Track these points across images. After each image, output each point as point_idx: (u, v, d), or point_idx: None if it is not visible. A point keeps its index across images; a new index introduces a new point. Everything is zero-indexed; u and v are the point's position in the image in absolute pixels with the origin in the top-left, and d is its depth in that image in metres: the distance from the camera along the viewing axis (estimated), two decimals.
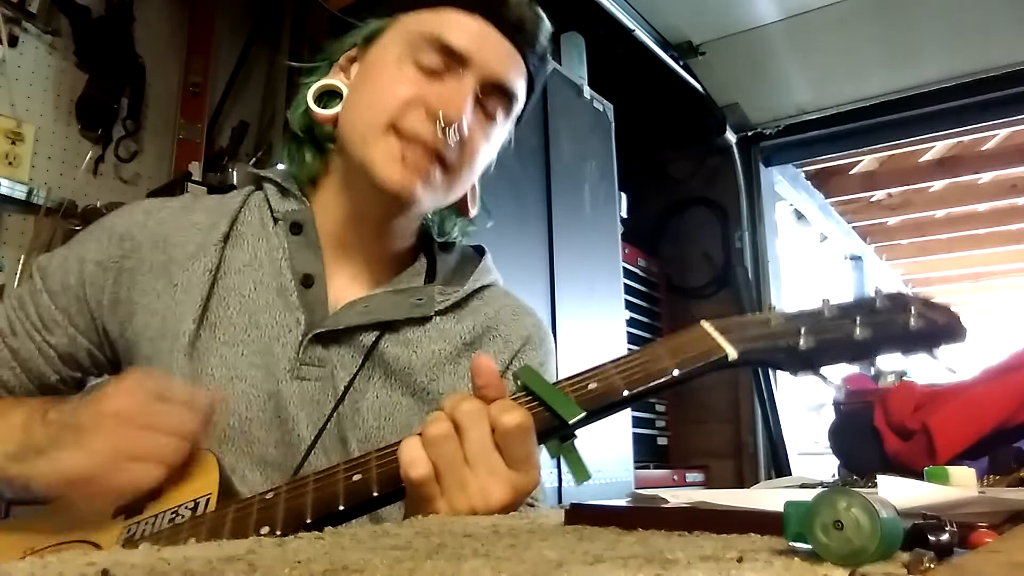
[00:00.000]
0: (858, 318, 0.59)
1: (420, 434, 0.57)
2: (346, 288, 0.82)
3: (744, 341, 0.59)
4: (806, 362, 0.59)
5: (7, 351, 0.79)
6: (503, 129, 0.83)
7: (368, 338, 0.79)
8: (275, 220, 0.83)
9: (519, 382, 0.60)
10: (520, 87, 0.81)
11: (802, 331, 0.59)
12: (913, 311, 0.59)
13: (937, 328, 0.59)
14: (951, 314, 0.60)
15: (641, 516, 0.43)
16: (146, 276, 0.79)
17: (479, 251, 0.93)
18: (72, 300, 0.79)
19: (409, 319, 0.81)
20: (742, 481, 3.11)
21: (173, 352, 0.75)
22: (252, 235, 0.82)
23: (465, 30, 0.76)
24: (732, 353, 0.59)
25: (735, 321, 0.61)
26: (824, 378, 0.60)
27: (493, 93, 0.78)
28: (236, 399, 0.74)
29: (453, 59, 0.76)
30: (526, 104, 0.85)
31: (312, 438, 0.74)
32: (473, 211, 0.88)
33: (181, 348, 0.75)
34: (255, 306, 0.78)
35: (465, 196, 0.86)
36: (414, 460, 0.56)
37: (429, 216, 0.87)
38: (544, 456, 0.62)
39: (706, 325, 0.61)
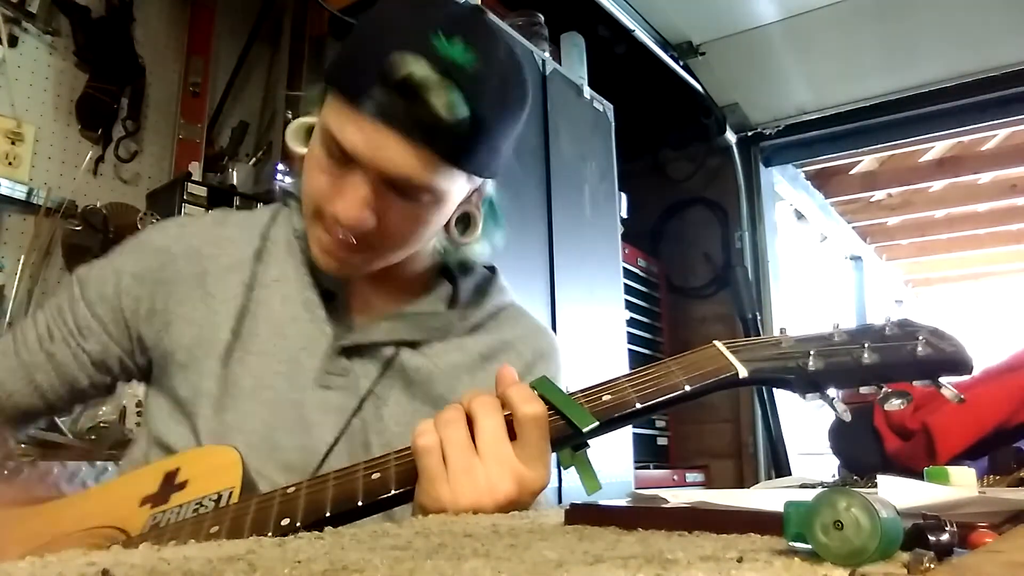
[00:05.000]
0: (867, 343, 0.60)
1: (436, 415, 0.60)
2: (369, 303, 0.85)
3: (754, 361, 0.62)
4: (814, 384, 0.61)
5: (43, 355, 0.83)
6: (439, 203, 0.76)
7: (390, 351, 0.82)
8: (299, 239, 0.86)
9: (536, 392, 0.61)
10: (436, 180, 0.73)
11: (811, 353, 0.61)
12: (921, 339, 0.61)
13: (944, 357, 0.61)
14: (958, 344, 0.62)
15: (641, 516, 0.43)
16: (182, 287, 0.83)
17: (492, 270, 0.95)
18: (108, 310, 0.83)
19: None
20: (742, 481, 3.11)
21: (209, 359, 0.79)
22: (279, 251, 0.86)
23: (360, 133, 0.70)
24: (743, 372, 0.61)
25: (746, 341, 0.64)
26: (831, 400, 0.60)
27: (400, 185, 0.72)
28: (262, 406, 0.78)
29: (350, 157, 0.72)
30: (489, 163, 0.78)
31: (334, 443, 0.77)
32: (465, 239, 0.84)
33: (217, 356, 0.79)
34: (282, 318, 0.82)
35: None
36: (424, 430, 0.59)
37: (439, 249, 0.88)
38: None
39: (718, 344, 0.63)
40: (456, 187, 0.76)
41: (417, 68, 0.67)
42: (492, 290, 0.91)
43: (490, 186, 0.84)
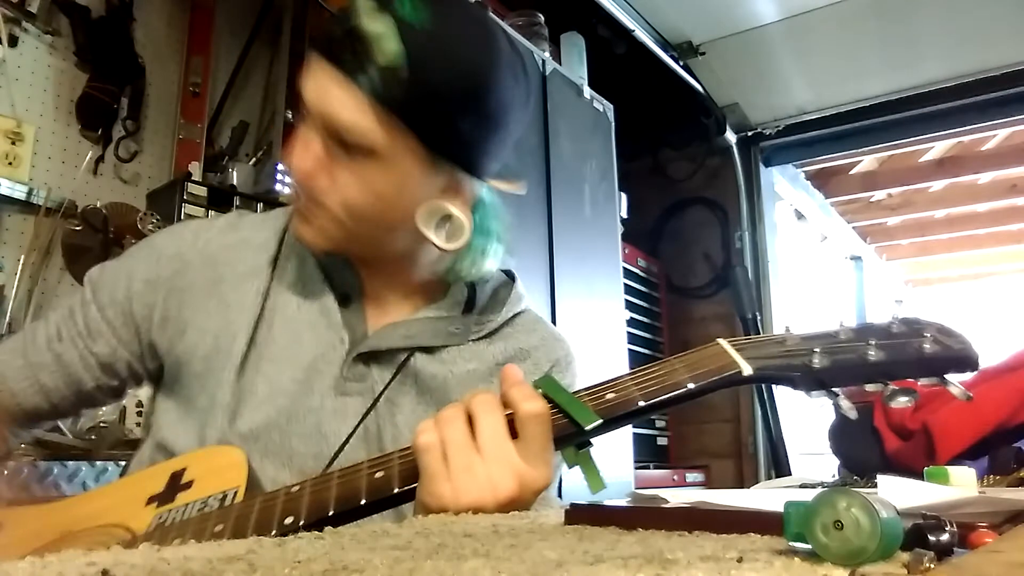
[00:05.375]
0: (872, 341, 0.60)
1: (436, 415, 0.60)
2: (384, 307, 0.84)
3: (759, 359, 0.61)
4: (819, 382, 0.60)
5: (51, 355, 0.82)
6: (377, 159, 0.73)
7: (405, 354, 0.81)
8: None
9: (540, 390, 0.61)
10: (374, 130, 0.70)
11: (816, 351, 0.60)
12: (928, 336, 0.60)
13: (951, 355, 0.60)
14: (965, 341, 0.61)
15: (641, 516, 0.43)
16: (197, 295, 0.82)
17: (510, 275, 0.94)
18: (118, 314, 0.82)
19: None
20: (742, 481, 3.11)
21: (225, 370, 0.78)
22: (296, 256, 0.85)
23: (312, 80, 0.72)
24: (747, 369, 0.60)
25: (751, 339, 0.63)
26: (836, 397, 0.60)
27: (342, 135, 0.72)
28: (278, 414, 0.77)
29: (304, 111, 0.74)
30: (436, 123, 0.72)
31: (352, 453, 0.77)
32: (448, 245, 0.78)
33: (232, 366, 0.78)
34: (298, 324, 0.81)
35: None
36: (424, 429, 0.59)
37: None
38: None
39: (723, 342, 0.63)
40: (405, 153, 0.72)
41: (365, 10, 0.69)
42: (510, 297, 0.89)
43: (480, 190, 0.79)
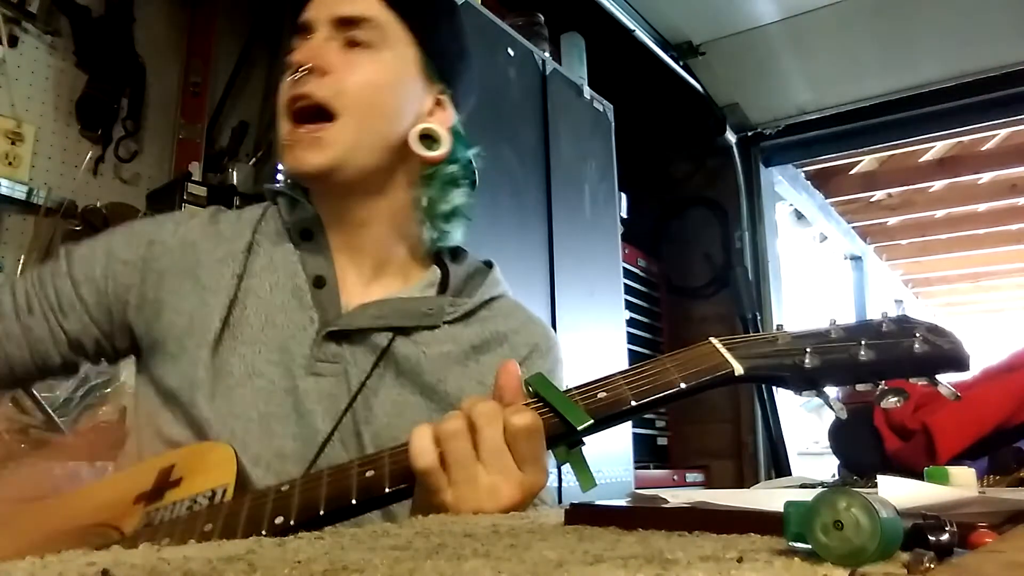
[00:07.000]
0: (863, 340, 0.60)
1: (435, 426, 0.60)
2: (359, 290, 0.85)
3: (751, 358, 0.61)
4: (810, 381, 0.60)
5: (19, 327, 0.82)
6: (381, 51, 0.84)
7: (380, 338, 0.81)
8: (288, 230, 0.88)
9: (530, 389, 0.61)
10: (370, 7, 0.84)
11: (808, 351, 0.60)
12: (918, 336, 0.60)
13: (942, 354, 0.60)
14: (956, 341, 0.61)
15: (641, 516, 0.43)
16: (175, 278, 0.83)
17: (488, 264, 0.95)
18: (92, 291, 0.83)
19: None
20: (742, 481, 3.11)
21: (200, 349, 0.78)
22: (269, 242, 0.87)
23: (308, 6, 0.85)
24: (739, 369, 0.60)
25: (743, 338, 0.63)
26: (827, 398, 0.60)
27: (345, 27, 0.83)
28: (255, 395, 0.77)
29: (304, 33, 0.85)
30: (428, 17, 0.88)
31: (328, 431, 0.77)
32: (429, 153, 0.85)
33: (207, 345, 0.79)
34: (271, 306, 0.82)
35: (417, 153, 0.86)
36: (422, 451, 0.58)
37: (423, 204, 0.87)
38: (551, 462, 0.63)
39: (714, 341, 0.63)
40: (406, 58, 0.85)
41: None
42: (486, 281, 0.90)
43: (455, 119, 0.89)
